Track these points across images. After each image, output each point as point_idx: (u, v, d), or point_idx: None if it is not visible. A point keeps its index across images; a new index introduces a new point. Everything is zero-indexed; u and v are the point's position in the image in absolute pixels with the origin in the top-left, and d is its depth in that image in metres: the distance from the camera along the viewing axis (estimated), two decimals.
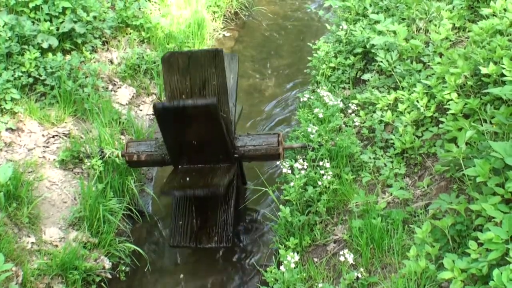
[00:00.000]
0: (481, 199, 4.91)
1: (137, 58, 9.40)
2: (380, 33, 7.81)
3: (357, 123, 7.20)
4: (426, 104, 6.63)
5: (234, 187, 7.10)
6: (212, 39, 11.11)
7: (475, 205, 4.88)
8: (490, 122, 5.71)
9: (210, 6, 11.42)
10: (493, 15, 7.02)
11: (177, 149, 6.83)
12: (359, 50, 8.22)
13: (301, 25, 12.12)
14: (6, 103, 7.62)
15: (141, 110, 9.00)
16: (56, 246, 6.72)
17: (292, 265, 5.66)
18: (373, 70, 7.88)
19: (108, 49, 9.44)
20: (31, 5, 8.55)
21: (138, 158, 7.16)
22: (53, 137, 7.80)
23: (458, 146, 5.32)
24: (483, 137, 5.50)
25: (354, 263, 5.74)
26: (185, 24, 10.40)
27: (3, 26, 8.21)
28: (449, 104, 6.11)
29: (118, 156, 7.32)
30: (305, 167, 6.61)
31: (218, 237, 7.00)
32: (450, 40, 7.33)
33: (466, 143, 5.39)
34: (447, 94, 6.29)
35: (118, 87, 9.06)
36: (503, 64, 5.78)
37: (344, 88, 8.18)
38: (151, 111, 8.99)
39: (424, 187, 6.21)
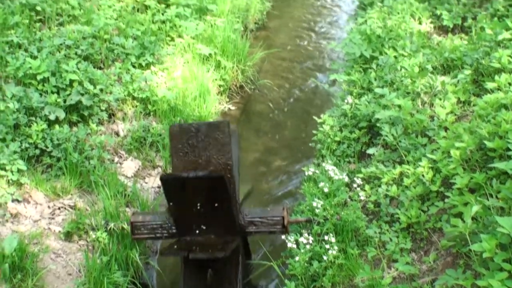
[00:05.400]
0: (488, 274, 4.87)
1: (143, 131, 9.44)
2: (385, 107, 7.86)
3: (362, 198, 7.18)
4: (432, 178, 6.63)
5: (239, 262, 7.06)
6: (218, 113, 11.17)
7: (482, 281, 4.84)
8: (496, 197, 5.70)
9: (216, 79, 11.52)
10: (498, 89, 7.09)
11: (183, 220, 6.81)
12: (364, 124, 8.27)
13: (306, 98, 12.20)
14: (13, 174, 7.65)
15: (146, 183, 9.01)
16: None
17: None
18: (378, 144, 7.91)
19: (114, 121, 9.51)
20: (39, 77, 8.67)
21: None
22: (58, 208, 7.81)
23: (464, 221, 5.30)
24: (489, 212, 5.48)
25: None
26: (191, 97, 10.48)
27: (11, 98, 8.32)
28: (454, 179, 6.12)
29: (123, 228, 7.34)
30: (310, 241, 6.58)
31: None
32: (455, 114, 7.39)
33: (472, 218, 5.37)
34: (453, 168, 6.30)
35: (124, 160, 9.09)
36: (508, 138, 5.81)
37: (349, 162, 8.20)
38: (156, 183, 9.00)
39: (430, 262, 6.17)
